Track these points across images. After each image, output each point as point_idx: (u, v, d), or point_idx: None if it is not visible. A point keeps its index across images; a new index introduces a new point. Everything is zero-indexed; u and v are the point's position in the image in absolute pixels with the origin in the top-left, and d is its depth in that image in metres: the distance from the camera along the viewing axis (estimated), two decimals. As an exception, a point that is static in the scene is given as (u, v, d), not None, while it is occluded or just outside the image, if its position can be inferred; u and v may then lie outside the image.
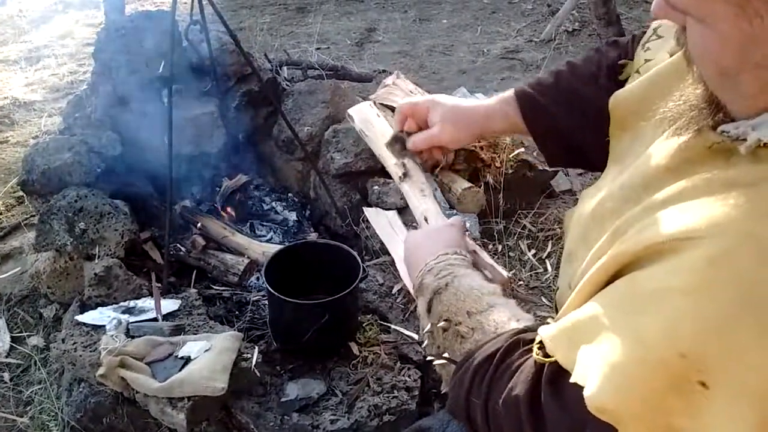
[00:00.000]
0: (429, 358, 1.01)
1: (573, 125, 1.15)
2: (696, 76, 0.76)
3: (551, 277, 2.71)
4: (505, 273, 1.08)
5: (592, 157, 1.11)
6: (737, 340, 0.58)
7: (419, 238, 1.14)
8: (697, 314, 0.61)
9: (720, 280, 0.61)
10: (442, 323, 0.97)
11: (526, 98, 1.21)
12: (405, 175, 1.30)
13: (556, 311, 1.07)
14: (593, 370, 0.65)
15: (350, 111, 1.52)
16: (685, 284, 0.62)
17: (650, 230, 0.69)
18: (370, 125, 1.57)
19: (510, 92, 1.24)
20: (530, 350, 0.77)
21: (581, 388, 0.66)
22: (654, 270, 0.66)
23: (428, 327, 1.01)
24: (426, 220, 1.24)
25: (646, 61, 1.03)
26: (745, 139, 0.68)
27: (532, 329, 0.86)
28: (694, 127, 0.77)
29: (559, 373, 0.70)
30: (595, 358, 0.66)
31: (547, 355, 0.73)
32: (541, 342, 0.75)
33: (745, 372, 0.58)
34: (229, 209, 2.85)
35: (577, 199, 2.75)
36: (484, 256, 1.11)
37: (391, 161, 1.35)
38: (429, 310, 1.02)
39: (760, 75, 0.67)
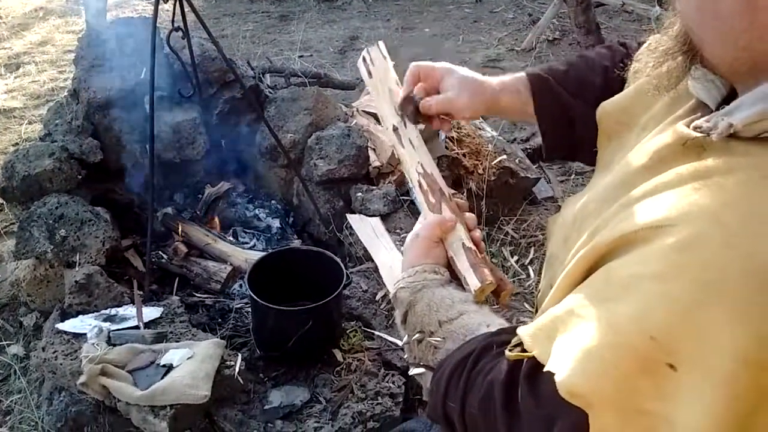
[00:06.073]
0: (410, 370, 1.01)
1: (580, 114, 1.15)
2: (674, 7, 0.77)
3: (534, 284, 2.73)
4: (473, 284, 1.01)
5: (589, 150, 1.11)
6: (704, 322, 0.59)
7: (405, 245, 1.14)
8: (666, 298, 0.62)
9: (688, 264, 0.62)
10: (416, 335, 0.98)
11: (538, 80, 1.20)
12: (399, 160, 1.24)
13: (536, 313, 1.08)
14: (566, 357, 0.66)
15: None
16: (656, 270, 0.64)
17: (625, 222, 0.71)
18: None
19: (521, 73, 1.22)
20: (503, 352, 0.78)
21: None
22: (627, 258, 0.68)
23: (405, 338, 1.02)
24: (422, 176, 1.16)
25: (635, 71, 1.05)
26: (717, 128, 0.70)
27: (505, 332, 0.87)
28: (671, 80, 0.78)
29: (537, 368, 0.71)
30: (568, 346, 0.67)
31: (524, 352, 0.74)
32: (517, 343, 0.76)
33: (712, 354, 0.59)
34: (211, 216, 2.84)
35: (559, 206, 2.77)
36: (461, 261, 1.05)
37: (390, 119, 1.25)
38: (404, 322, 1.03)
39: None
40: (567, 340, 0.67)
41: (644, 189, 0.74)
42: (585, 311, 0.67)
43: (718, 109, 0.79)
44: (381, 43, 1.33)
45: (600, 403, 0.63)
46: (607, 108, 1.04)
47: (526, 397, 0.72)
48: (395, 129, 1.23)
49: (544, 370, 0.68)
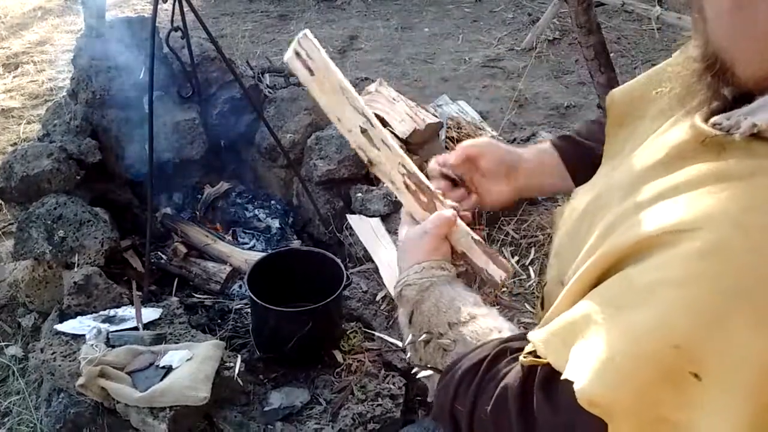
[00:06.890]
0: (414, 371, 0.99)
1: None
2: (699, 30, 0.75)
3: (534, 284, 2.72)
4: (497, 275, 1.02)
5: None
6: (730, 330, 0.58)
7: (406, 242, 1.10)
8: (690, 306, 0.60)
9: (712, 271, 0.60)
10: (423, 336, 0.96)
11: (564, 141, 1.20)
12: (371, 163, 1.12)
13: (542, 306, 1.07)
14: (584, 365, 0.64)
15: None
16: (678, 276, 0.62)
17: (642, 225, 0.68)
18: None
19: (545, 144, 1.23)
20: (516, 359, 0.76)
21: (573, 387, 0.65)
22: (646, 264, 0.66)
23: (410, 338, 0.99)
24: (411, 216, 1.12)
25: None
26: (739, 128, 0.68)
27: (517, 338, 0.85)
28: (697, 100, 0.76)
29: (552, 375, 0.69)
30: (586, 354, 0.65)
31: (538, 358, 0.72)
32: (531, 350, 0.75)
33: (738, 362, 0.57)
34: (210, 217, 2.83)
35: (559, 205, 2.76)
36: (477, 255, 1.04)
37: (352, 139, 1.12)
38: (410, 322, 1.00)
39: None
40: (585, 347, 0.65)
41: (661, 188, 0.72)
42: (602, 318, 0.66)
43: (734, 100, 0.77)
44: (308, 32, 1.12)
45: (620, 413, 0.61)
46: (617, 95, 1.02)
47: (543, 405, 0.70)
48: (364, 131, 1.11)
49: (562, 378, 0.66)
